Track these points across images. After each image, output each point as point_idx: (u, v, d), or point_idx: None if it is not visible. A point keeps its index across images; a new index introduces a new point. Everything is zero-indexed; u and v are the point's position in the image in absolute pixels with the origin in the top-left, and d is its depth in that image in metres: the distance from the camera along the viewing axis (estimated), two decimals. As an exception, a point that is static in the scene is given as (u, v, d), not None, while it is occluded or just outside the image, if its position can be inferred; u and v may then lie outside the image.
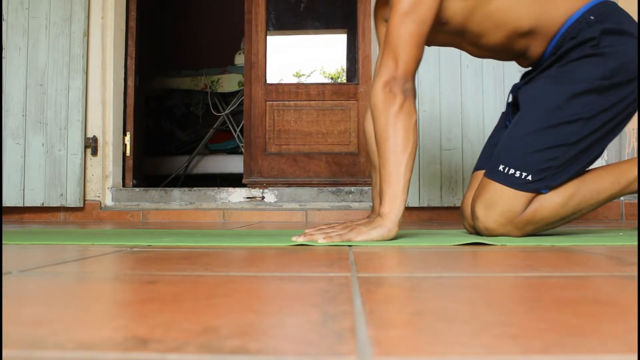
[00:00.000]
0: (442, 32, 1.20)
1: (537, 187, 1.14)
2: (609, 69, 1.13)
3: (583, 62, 1.15)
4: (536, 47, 1.22)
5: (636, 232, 1.26)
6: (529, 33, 1.19)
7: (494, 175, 1.18)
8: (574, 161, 1.15)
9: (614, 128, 1.18)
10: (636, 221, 2.05)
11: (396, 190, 1.06)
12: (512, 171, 1.15)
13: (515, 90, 1.31)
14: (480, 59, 2.02)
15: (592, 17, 1.15)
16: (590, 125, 1.14)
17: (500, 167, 1.17)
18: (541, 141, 1.14)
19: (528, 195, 1.15)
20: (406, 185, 1.07)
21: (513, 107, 1.32)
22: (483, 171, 1.28)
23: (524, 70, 1.42)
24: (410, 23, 1.09)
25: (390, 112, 1.08)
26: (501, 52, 1.26)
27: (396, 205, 1.06)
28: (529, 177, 1.14)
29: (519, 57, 1.28)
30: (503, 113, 1.39)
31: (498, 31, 1.19)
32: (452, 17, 1.16)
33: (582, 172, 1.19)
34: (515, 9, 1.16)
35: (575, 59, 1.15)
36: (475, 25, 1.18)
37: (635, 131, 2.23)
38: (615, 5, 1.19)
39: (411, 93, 1.11)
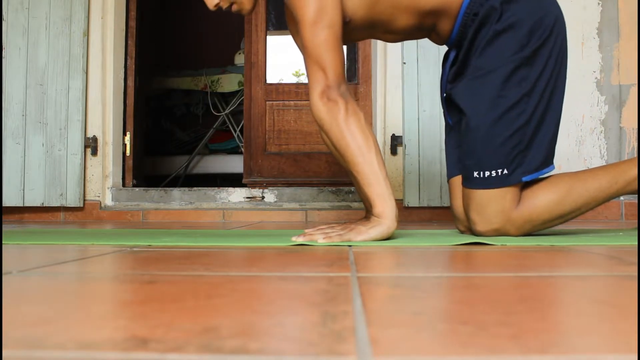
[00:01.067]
0: (351, 29, 1.21)
1: (517, 176, 1.15)
2: (523, 37, 1.15)
3: (497, 44, 1.16)
4: (443, 25, 1.24)
5: (636, 232, 1.26)
6: (432, 11, 1.21)
7: (472, 184, 1.19)
8: (537, 135, 1.16)
9: (557, 84, 1.18)
10: (636, 221, 2.05)
11: (380, 188, 1.08)
12: (487, 173, 1.16)
13: (446, 87, 1.32)
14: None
15: None
16: (534, 97, 1.15)
17: (475, 174, 1.17)
18: (498, 134, 1.15)
19: (513, 189, 1.16)
20: (386, 179, 1.09)
21: (448, 103, 1.32)
22: (459, 177, 1.28)
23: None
24: (321, 30, 1.10)
25: (338, 119, 1.10)
26: (413, 32, 1.28)
27: (387, 202, 1.07)
28: (505, 171, 1.15)
29: (431, 33, 1.30)
30: (443, 112, 1.39)
31: (403, 15, 1.21)
32: (355, 13, 1.17)
33: (556, 138, 1.19)
34: None
35: (488, 42, 1.17)
36: (380, 15, 1.20)
37: (635, 131, 2.23)
38: None
39: (349, 95, 1.13)
